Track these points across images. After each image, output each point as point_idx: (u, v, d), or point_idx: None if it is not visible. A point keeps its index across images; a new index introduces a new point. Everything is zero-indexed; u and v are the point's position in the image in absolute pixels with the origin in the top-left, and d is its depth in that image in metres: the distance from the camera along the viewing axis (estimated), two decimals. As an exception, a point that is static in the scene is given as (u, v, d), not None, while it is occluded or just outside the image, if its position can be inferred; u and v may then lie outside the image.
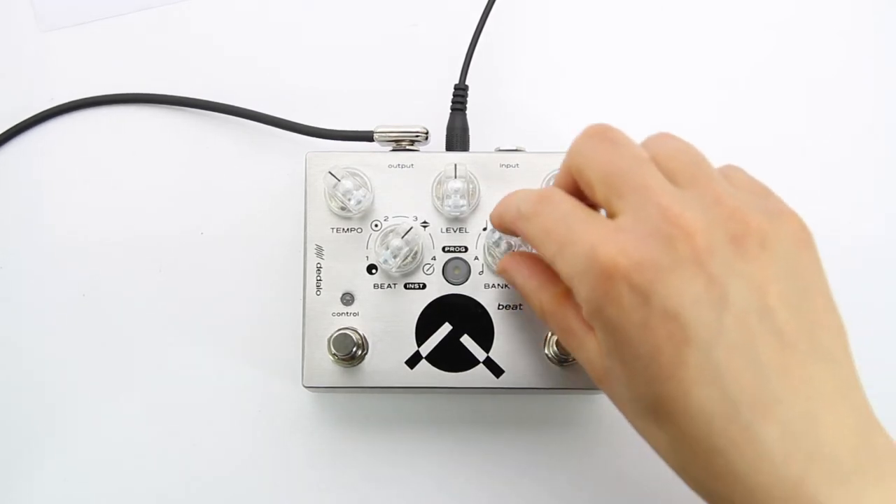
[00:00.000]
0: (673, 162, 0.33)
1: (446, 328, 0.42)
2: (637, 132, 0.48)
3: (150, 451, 0.46)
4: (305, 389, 0.44)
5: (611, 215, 0.32)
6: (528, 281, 0.37)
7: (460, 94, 0.46)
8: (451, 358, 0.42)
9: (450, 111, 0.46)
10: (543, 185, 0.43)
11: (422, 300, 0.42)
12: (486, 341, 0.42)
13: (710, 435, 0.29)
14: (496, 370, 0.42)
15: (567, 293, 0.35)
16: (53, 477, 0.46)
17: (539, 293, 0.36)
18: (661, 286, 0.29)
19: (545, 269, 0.36)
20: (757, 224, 0.31)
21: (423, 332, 0.42)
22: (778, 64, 0.50)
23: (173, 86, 0.49)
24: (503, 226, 0.38)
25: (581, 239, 0.31)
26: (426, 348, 0.42)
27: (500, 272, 0.39)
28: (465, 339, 0.42)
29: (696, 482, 0.31)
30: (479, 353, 0.42)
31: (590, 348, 0.33)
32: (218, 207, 0.48)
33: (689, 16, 0.50)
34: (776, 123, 0.49)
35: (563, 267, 0.32)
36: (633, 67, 0.49)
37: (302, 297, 0.43)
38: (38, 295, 0.47)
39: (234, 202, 0.48)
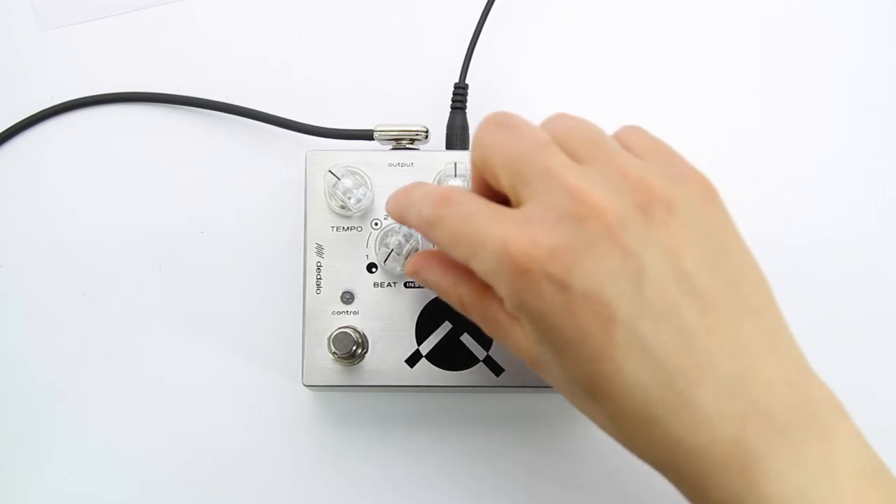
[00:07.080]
0: (571, 140, 0.32)
1: (446, 327, 0.42)
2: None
3: (150, 450, 0.46)
4: (305, 388, 0.44)
5: (518, 203, 0.31)
6: (443, 279, 0.35)
7: (460, 93, 0.46)
8: (451, 356, 0.42)
9: (450, 110, 0.46)
10: None
11: (422, 299, 0.42)
12: (486, 340, 0.42)
13: (647, 406, 0.29)
14: (496, 369, 0.42)
15: (486, 285, 0.33)
16: (53, 475, 0.46)
17: (457, 289, 0.35)
18: (578, 269, 0.29)
19: (457, 263, 0.34)
20: (662, 190, 0.30)
21: (423, 331, 0.42)
22: (769, 61, 0.50)
23: (173, 85, 0.49)
24: (403, 223, 0.36)
25: (491, 237, 0.30)
26: (426, 347, 0.42)
27: (411, 274, 0.37)
28: (465, 338, 0.42)
29: (639, 451, 0.31)
30: (479, 352, 0.42)
31: (517, 337, 0.33)
32: (218, 206, 0.48)
33: (686, 14, 0.50)
34: (768, 120, 0.49)
35: (479, 268, 0.31)
36: (632, 65, 0.49)
37: (302, 296, 0.43)
38: (38, 293, 0.47)
39: (234, 201, 0.48)
